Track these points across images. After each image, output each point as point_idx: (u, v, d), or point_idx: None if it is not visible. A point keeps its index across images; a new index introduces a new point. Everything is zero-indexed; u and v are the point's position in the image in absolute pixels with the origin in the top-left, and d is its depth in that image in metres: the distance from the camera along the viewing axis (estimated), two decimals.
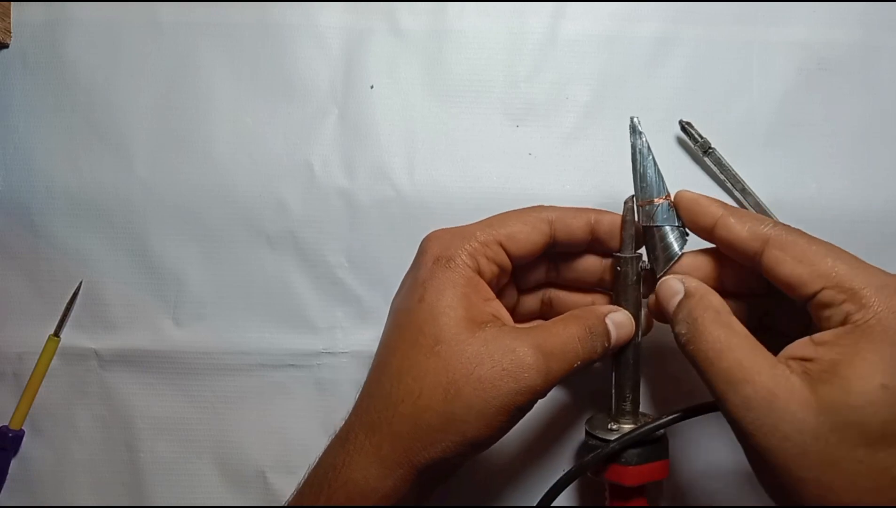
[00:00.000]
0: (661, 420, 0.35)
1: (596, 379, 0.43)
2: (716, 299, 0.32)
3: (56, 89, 0.45)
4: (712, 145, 0.43)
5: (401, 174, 0.44)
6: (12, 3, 0.45)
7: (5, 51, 0.46)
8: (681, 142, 0.44)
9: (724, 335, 0.30)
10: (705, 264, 0.35)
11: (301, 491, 0.34)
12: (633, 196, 0.36)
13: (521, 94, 0.45)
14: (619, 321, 0.35)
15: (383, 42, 0.45)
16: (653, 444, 0.35)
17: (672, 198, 0.35)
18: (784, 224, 0.32)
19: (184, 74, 0.45)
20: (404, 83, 0.45)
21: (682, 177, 0.44)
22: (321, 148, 0.45)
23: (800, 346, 0.30)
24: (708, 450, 0.43)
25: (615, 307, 0.36)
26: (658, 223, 0.35)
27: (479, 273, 0.34)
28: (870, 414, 0.26)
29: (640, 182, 0.35)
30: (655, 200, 0.35)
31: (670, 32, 0.45)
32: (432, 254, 0.35)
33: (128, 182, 0.45)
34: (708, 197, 0.34)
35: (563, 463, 0.43)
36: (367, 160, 0.45)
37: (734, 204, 0.44)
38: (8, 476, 0.44)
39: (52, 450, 0.44)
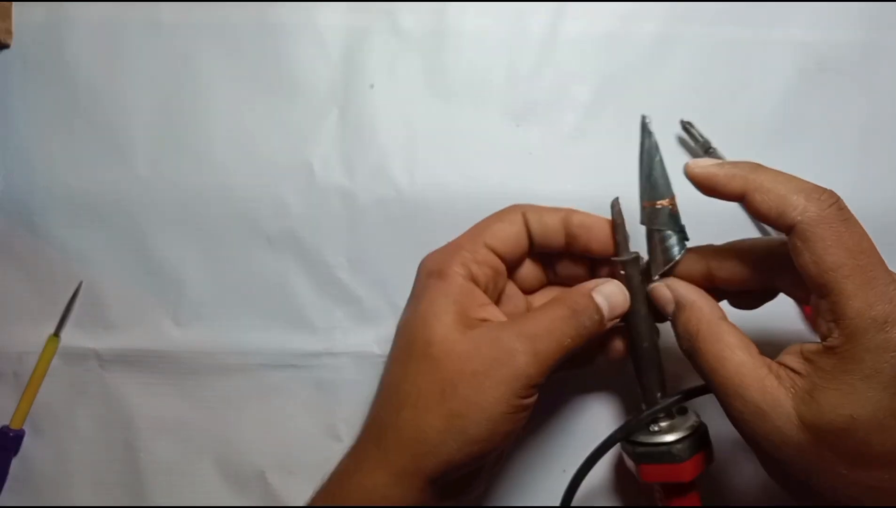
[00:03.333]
0: (671, 400, 0.35)
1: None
2: (706, 308, 0.32)
3: (56, 89, 0.46)
4: (713, 145, 0.43)
5: (401, 174, 0.44)
6: (13, 3, 0.45)
7: (6, 51, 0.46)
8: (682, 142, 0.44)
9: (717, 349, 0.31)
10: (701, 263, 0.35)
11: (313, 499, 0.34)
12: (618, 198, 0.35)
13: (521, 93, 0.45)
14: (607, 292, 0.34)
15: (383, 42, 0.45)
16: (696, 431, 0.35)
17: (676, 201, 0.34)
18: (822, 197, 0.28)
19: (184, 74, 0.45)
20: (404, 83, 0.45)
21: (683, 176, 0.44)
22: (321, 148, 0.45)
23: (793, 355, 0.30)
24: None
25: (604, 280, 0.35)
26: (660, 226, 0.34)
27: (474, 280, 0.35)
28: (843, 439, 0.27)
29: (646, 182, 0.34)
30: (659, 202, 0.34)
31: (671, 32, 0.45)
32: (426, 270, 0.36)
33: (128, 182, 0.45)
34: (723, 169, 0.31)
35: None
36: (367, 160, 0.45)
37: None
38: (8, 476, 0.44)
39: (52, 450, 0.44)
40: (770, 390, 0.29)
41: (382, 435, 0.33)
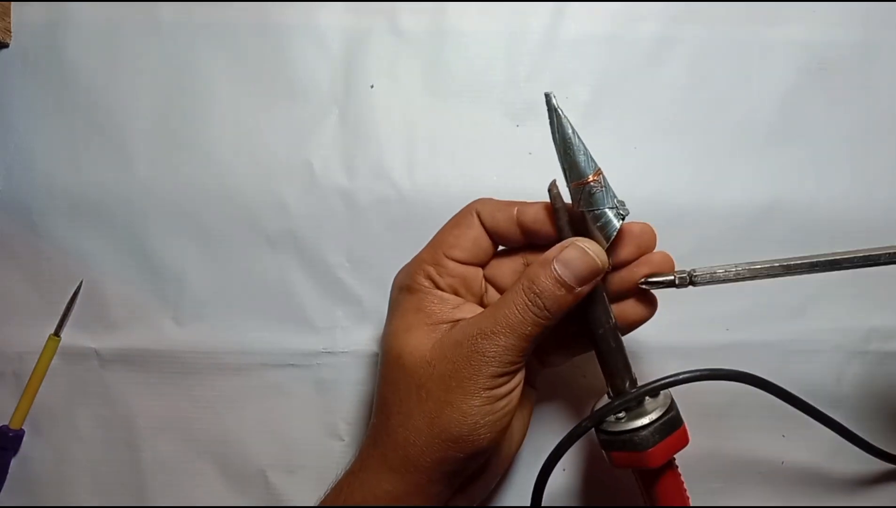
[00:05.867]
0: (637, 391, 0.33)
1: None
2: None
3: (56, 89, 0.46)
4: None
5: (401, 174, 0.45)
6: (12, 2, 0.45)
7: (5, 51, 0.46)
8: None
9: None
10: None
11: (326, 495, 0.36)
12: (554, 181, 0.33)
13: (521, 93, 0.45)
14: (567, 259, 0.32)
15: (383, 42, 0.45)
16: (664, 416, 0.33)
17: (603, 175, 0.32)
18: None
19: (184, 74, 0.45)
20: (404, 83, 0.45)
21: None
22: (321, 148, 0.45)
23: None
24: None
25: (569, 242, 0.32)
26: (591, 206, 0.32)
27: (442, 289, 0.35)
28: None
29: (565, 162, 0.32)
30: (583, 180, 0.32)
31: (670, 32, 0.45)
32: (397, 286, 0.37)
33: (128, 182, 0.45)
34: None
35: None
36: (367, 160, 0.45)
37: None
38: (8, 476, 0.44)
39: (52, 450, 0.44)
40: None
41: (379, 440, 0.34)
